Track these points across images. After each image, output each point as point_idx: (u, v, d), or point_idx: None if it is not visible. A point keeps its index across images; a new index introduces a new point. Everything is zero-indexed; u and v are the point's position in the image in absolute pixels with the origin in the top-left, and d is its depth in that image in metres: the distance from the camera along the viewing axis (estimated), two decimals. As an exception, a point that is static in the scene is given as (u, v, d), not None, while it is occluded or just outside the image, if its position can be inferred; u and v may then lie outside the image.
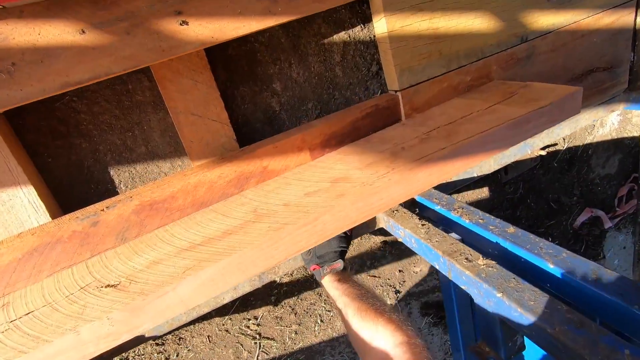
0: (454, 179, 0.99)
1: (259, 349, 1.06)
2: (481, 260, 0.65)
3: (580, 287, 0.55)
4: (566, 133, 1.09)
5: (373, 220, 0.95)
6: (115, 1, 0.60)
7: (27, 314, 0.57)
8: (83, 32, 0.60)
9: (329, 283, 0.78)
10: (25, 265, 0.66)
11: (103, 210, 0.68)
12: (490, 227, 0.73)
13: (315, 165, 0.77)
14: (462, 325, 0.93)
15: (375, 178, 0.63)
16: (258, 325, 1.03)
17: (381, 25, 0.80)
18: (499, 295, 0.57)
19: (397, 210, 0.90)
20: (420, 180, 0.64)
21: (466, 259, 0.66)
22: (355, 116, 0.82)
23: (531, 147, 1.06)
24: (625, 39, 1.05)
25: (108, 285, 0.57)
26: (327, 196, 0.63)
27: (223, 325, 1.00)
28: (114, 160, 0.78)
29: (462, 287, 0.66)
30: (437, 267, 0.73)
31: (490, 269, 0.62)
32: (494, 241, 0.71)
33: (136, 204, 0.70)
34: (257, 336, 1.04)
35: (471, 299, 0.74)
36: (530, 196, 1.26)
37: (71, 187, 0.76)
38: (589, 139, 1.31)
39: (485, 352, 0.68)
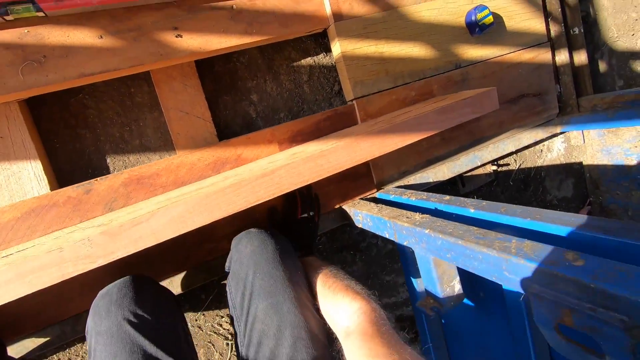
0: (412, 182, 1.11)
1: (231, 351, 1.06)
2: (418, 216, 0.75)
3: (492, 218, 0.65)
4: (511, 149, 1.25)
5: (340, 213, 1.05)
6: (129, 16, 0.81)
7: (18, 251, 0.65)
8: (101, 37, 0.79)
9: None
10: (22, 225, 0.75)
11: (97, 180, 0.80)
12: (432, 199, 0.84)
13: (281, 152, 0.91)
14: (413, 285, 0.99)
15: (325, 147, 0.77)
16: (231, 324, 1.05)
17: (337, 48, 1.01)
18: (427, 231, 0.66)
19: (359, 203, 1.01)
20: (364, 150, 0.77)
21: (407, 217, 0.76)
22: (318, 118, 0.99)
23: (480, 159, 1.21)
24: (547, 72, 1.27)
25: (93, 226, 0.67)
26: (285, 157, 0.75)
27: (196, 320, 1.03)
28: (112, 150, 0.92)
29: (405, 242, 0.75)
30: (386, 235, 0.82)
31: (423, 219, 0.72)
32: (433, 208, 0.81)
33: (125, 177, 0.82)
34: (230, 336, 1.06)
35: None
36: (491, 211, 1.36)
37: (72, 170, 0.89)
38: (539, 162, 1.47)
39: (430, 304, 0.73)
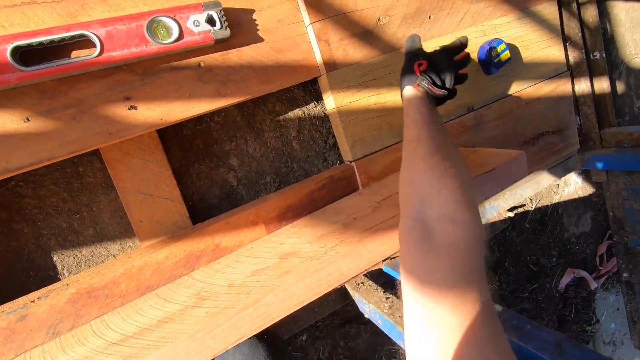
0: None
1: None
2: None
3: None
4: (529, 194, 1.11)
5: (340, 292, 0.89)
6: (63, 90, 0.63)
7: None
8: (28, 119, 0.61)
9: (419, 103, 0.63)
10: None
11: (34, 301, 0.63)
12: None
13: (268, 240, 0.74)
14: None
15: (323, 252, 0.61)
16: None
17: (330, 102, 0.84)
18: None
19: (362, 283, 0.86)
20: (371, 252, 0.62)
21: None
22: (311, 188, 0.82)
23: (496, 210, 1.06)
24: (567, 104, 1.12)
25: (18, 393, 0.50)
26: (273, 274, 0.59)
27: None
28: (59, 244, 0.74)
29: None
30: (401, 344, 0.67)
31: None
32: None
33: (72, 292, 0.65)
34: None
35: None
36: (508, 259, 1.23)
37: (8, 275, 0.71)
38: (556, 198, 1.33)
39: None
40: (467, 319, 0.35)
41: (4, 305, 0.64)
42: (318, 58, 0.81)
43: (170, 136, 0.80)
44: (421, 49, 0.75)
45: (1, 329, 0.61)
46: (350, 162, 0.87)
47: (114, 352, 0.52)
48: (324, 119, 0.94)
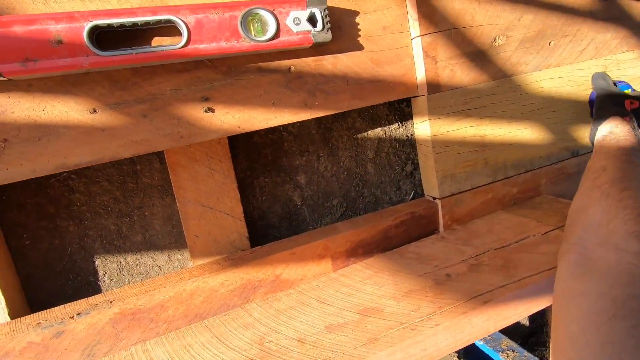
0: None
1: None
2: None
3: None
4: None
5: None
6: (137, 82, 0.54)
7: None
8: (94, 111, 0.53)
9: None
10: (-43, 384, 0.51)
11: (73, 317, 0.55)
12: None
13: (338, 281, 0.64)
14: None
15: (418, 319, 0.50)
16: None
17: (424, 128, 0.72)
18: None
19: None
20: (475, 327, 0.50)
21: None
22: (387, 224, 0.71)
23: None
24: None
25: None
26: (355, 337, 0.49)
27: None
28: (103, 248, 0.66)
29: None
30: None
31: None
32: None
33: (115, 311, 0.57)
34: None
35: None
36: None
37: (46, 276, 0.64)
38: None
39: None
40: (611, 344, 0.34)
41: (41, 314, 0.56)
42: (420, 76, 0.69)
43: (240, 143, 0.71)
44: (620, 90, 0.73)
45: (34, 345, 0.53)
46: (434, 198, 0.75)
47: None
48: (405, 142, 0.82)
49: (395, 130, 0.82)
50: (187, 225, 0.65)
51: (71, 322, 0.55)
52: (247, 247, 0.69)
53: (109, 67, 0.50)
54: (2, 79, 0.47)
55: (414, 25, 0.67)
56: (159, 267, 0.70)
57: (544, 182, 0.81)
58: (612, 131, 0.65)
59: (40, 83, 0.50)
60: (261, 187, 0.74)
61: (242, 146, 0.71)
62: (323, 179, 0.78)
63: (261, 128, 0.62)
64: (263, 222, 0.75)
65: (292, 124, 0.74)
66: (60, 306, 0.58)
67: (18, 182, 0.60)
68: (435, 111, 0.70)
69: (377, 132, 0.80)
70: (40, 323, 0.54)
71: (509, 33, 0.72)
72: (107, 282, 0.67)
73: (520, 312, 0.53)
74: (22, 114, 0.50)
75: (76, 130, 0.52)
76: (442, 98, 0.70)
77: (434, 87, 0.69)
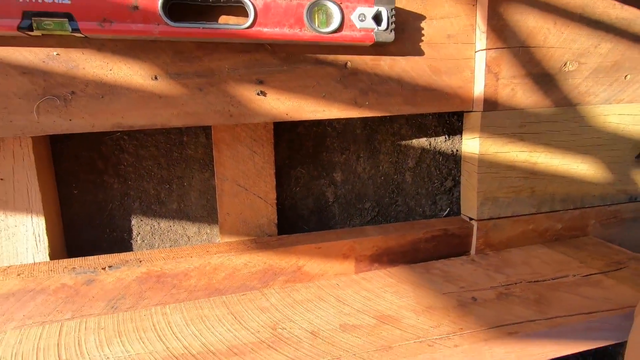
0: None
1: None
2: None
3: None
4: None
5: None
6: (199, 55, 0.56)
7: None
8: (155, 78, 0.55)
9: None
10: (-4, 309, 0.55)
11: (104, 268, 0.58)
12: None
13: (359, 283, 0.63)
14: None
15: (437, 336, 0.48)
16: None
17: (472, 145, 0.70)
18: None
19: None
20: (495, 357, 0.48)
21: None
22: (418, 236, 0.70)
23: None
24: None
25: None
26: (369, 341, 0.48)
27: None
28: (141, 209, 0.69)
29: None
30: None
31: None
32: None
33: (143, 271, 0.59)
34: None
35: None
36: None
37: (86, 226, 0.67)
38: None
39: None
40: None
41: (76, 260, 0.60)
42: (477, 91, 0.67)
43: (284, 131, 0.71)
44: None
45: (67, 287, 0.57)
46: (471, 219, 0.72)
47: (173, 373, 0.44)
48: (449, 157, 0.80)
49: (441, 143, 0.79)
50: (221, 202, 0.66)
51: (102, 273, 0.58)
52: (274, 234, 0.70)
53: (176, 37, 0.52)
54: (80, 35, 0.50)
55: (481, 38, 0.64)
56: (188, 237, 0.72)
57: (593, 222, 0.76)
58: None
59: (111, 44, 0.53)
60: (297, 178, 0.74)
61: (285, 135, 0.72)
62: (359, 180, 0.77)
63: (308, 119, 0.62)
64: (293, 213, 0.75)
65: (338, 121, 0.74)
66: (95, 256, 0.62)
67: (76, 135, 0.64)
68: (487, 129, 0.67)
69: (422, 142, 0.79)
70: (75, 268, 0.58)
71: (582, 60, 0.68)
72: (139, 242, 0.70)
73: (547, 351, 0.50)
74: (92, 71, 0.53)
75: (136, 93, 0.55)
76: (498, 117, 0.67)
77: (490, 104, 0.66)
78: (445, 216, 0.82)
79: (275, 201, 0.69)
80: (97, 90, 0.53)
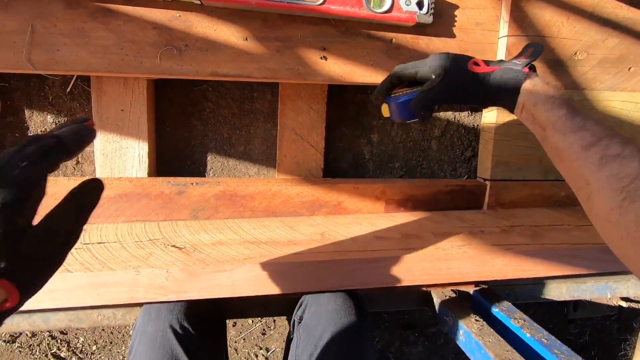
0: (518, 290, 0.92)
1: (256, 385, 0.99)
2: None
3: None
4: (656, 292, 0.98)
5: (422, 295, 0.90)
6: (280, 24, 0.72)
7: (99, 242, 0.62)
8: (246, 39, 0.72)
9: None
10: (111, 206, 0.73)
11: (192, 184, 0.75)
12: (555, 350, 0.66)
13: (388, 218, 0.78)
14: None
15: (449, 246, 0.62)
16: (266, 359, 0.98)
17: (491, 116, 0.83)
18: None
19: (451, 300, 0.85)
20: (495, 266, 0.62)
21: (520, 371, 0.60)
22: (438, 188, 0.84)
23: (613, 291, 0.96)
24: None
25: (174, 246, 0.61)
26: (397, 246, 0.63)
27: (235, 342, 0.97)
28: (215, 148, 0.86)
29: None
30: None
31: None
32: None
33: (220, 189, 0.76)
34: (260, 371, 0.99)
35: None
36: (597, 348, 1.11)
37: (173, 156, 0.85)
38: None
39: None
40: None
41: (171, 177, 0.77)
42: (498, 70, 0.80)
43: (335, 94, 0.87)
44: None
45: (164, 195, 0.74)
46: (485, 180, 0.86)
47: (250, 248, 0.60)
48: (471, 130, 0.94)
49: (464, 117, 0.93)
50: (281, 145, 0.83)
51: (190, 187, 0.75)
52: (319, 176, 0.85)
53: (266, 8, 0.69)
54: (197, 3, 0.67)
55: (504, 26, 0.78)
56: (249, 176, 0.89)
57: (593, 194, 0.88)
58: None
59: (218, 10, 0.70)
60: (341, 135, 0.90)
61: (335, 98, 0.87)
62: (392, 142, 0.92)
63: (357, 82, 0.77)
64: (334, 164, 0.91)
65: (379, 91, 0.89)
66: (183, 177, 0.79)
67: (174, 83, 0.82)
68: (504, 103, 0.80)
69: (448, 114, 0.93)
70: (169, 182, 0.75)
71: (590, 51, 0.80)
72: (210, 175, 0.87)
73: (538, 269, 0.63)
74: (201, 30, 0.70)
75: (231, 50, 0.72)
76: (514, 93, 0.80)
77: (508, 81, 0.79)
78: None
79: (324, 150, 0.85)
80: (204, 45, 0.71)
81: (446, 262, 0.60)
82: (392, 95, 0.60)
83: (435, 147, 0.94)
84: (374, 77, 0.77)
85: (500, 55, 0.80)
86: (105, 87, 0.74)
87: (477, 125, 0.93)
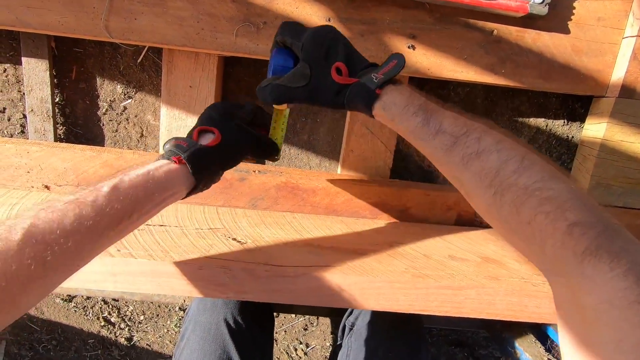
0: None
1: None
2: None
3: None
4: None
5: (490, 322, 0.82)
6: (367, 6, 0.65)
7: (161, 225, 0.60)
8: (329, 20, 0.65)
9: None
10: (172, 185, 0.71)
11: (255, 171, 0.71)
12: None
13: (460, 232, 0.70)
14: None
15: (540, 281, 0.54)
16: (305, 354, 0.96)
17: (596, 130, 0.72)
18: None
19: (518, 326, 0.77)
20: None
21: None
22: (521, 204, 0.74)
23: None
24: None
25: (235, 239, 0.58)
26: (476, 271, 0.55)
27: (276, 332, 0.95)
28: (278, 135, 0.82)
29: None
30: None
31: None
32: None
33: (282, 180, 0.71)
34: (298, 364, 0.97)
35: None
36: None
37: (233, 140, 0.82)
38: None
39: None
40: None
41: (232, 162, 0.74)
42: (616, 77, 0.68)
43: (413, 85, 0.79)
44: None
45: (225, 179, 0.71)
46: (577, 201, 0.75)
47: (313, 252, 0.56)
48: (563, 142, 0.82)
49: (558, 126, 0.81)
50: (349, 140, 0.76)
51: (252, 174, 0.71)
52: (386, 176, 0.78)
53: (355, -13, 0.62)
54: (282, -25, 0.61)
55: (633, 24, 0.65)
56: (310, 167, 0.84)
57: None
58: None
59: (302, -14, 0.64)
60: (413, 134, 0.82)
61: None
62: (469, 146, 0.83)
63: (447, 78, 0.69)
64: (402, 164, 0.83)
65: (462, 87, 0.80)
66: (246, 163, 0.75)
67: (245, 60, 0.77)
68: (617, 116, 0.69)
69: (539, 122, 0.81)
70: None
71: None
72: (270, 163, 0.83)
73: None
74: (282, 6, 0.64)
75: (310, 31, 0.65)
76: (632, 106, 0.68)
77: (627, 91, 0.67)
78: (544, 198, 0.84)
79: (394, 148, 0.78)
80: (282, 23, 0.65)
81: (536, 300, 0.52)
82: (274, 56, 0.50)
83: (518, 157, 0.83)
84: (466, 73, 0.68)
85: (622, 58, 0.67)
86: (176, 61, 0.70)
87: (573, 136, 0.81)
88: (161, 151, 0.75)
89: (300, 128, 0.82)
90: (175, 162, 0.43)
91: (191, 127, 0.51)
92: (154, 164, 0.43)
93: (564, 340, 0.30)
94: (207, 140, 0.47)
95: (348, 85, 0.45)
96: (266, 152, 0.57)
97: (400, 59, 0.45)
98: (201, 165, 0.45)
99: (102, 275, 0.50)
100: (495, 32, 0.67)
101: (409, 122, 0.41)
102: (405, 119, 0.42)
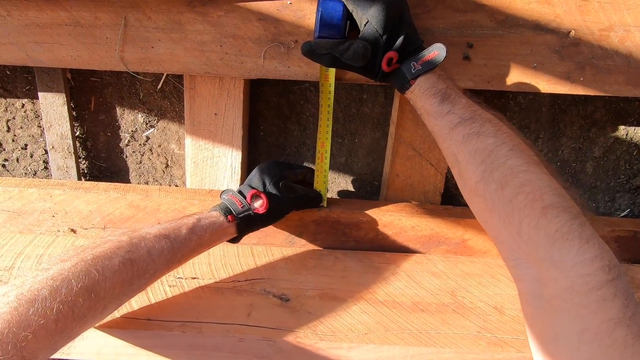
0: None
1: None
2: None
3: None
4: None
5: None
6: (417, 14, 0.55)
7: (193, 278, 0.54)
8: (370, 33, 0.56)
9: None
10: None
11: (291, 207, 0.64)
12: None
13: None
14: None
15: None
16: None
17: (700, 142, 0.59)
18: None
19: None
20: None
21: None
22: (601, 233, 0.63)
23: None
24: None
25: (276, 296, 0.51)
26: None
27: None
28: (313, 158, 0.74)
29: None
30: None
31: None
32: None
33: (321, 215, 0.64)
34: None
35: None
36: None
37: (264, 165, 0.75)
38: None
39: None
40: None
41: (265, 195, 0.67)
42: None
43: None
44: None
45: (258, 217, 0.64)
46: (670, 226, 0.63)
47: (366, 310, 0.48)
48: (647, 152, 0.70)
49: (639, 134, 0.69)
50: (393, 163, 0.68)
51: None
52: (437, 203, 0.69)
53: (402, -8, 0.52)
54: (314, -15, 0.52)
55: None
56: (349, 193, 0.76)
57: None
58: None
59: (338, -4, 0.54)
60: (466, 150, 0.72)
61: (465, 103, 0.69)
62: (532, 162, 0.72)
63: (510, 90, 0.58)
64: (455, 189, 0.74)
65: (523, 95, 0.69)
66: (278, 194, 0.68)
67: (270, 82, 0.69)
68: None
69: (618, 129, 0.69)
70: (265, 201, 0.65)
71: None
72: (305, 188, 0.76)
73: None
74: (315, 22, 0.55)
75: (349, 46, 0.56)
76: None
77: None
78: (622, 217, 0.73)
79: (446, 171, 0.68)
80: (316, 40, 0.56)
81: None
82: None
83: (590, 171, 0.72)
84: (535, 83, 0.57)
85: None
86: (198, 88, 0.63)
87: (660, 146, 0.69)
88: (189, 185, 0.69)
89: (336, 150, 0.73)
90: (230, 220, 0.51)
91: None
92: (209, 214, 0.52)
93: (532, 339, 0.33)
94: (257, 204, 0.54)
95: (387, 72, 0.50)
96: (310, 205, 0.63)
97: (441, 50, 0.47)
98: (247, 228, 0.55)
99: (134, 350, 0.44)
100: (572, 32, 0.55)
101: (427, 101, 0.46)
102: (425, 99, 0.47)
